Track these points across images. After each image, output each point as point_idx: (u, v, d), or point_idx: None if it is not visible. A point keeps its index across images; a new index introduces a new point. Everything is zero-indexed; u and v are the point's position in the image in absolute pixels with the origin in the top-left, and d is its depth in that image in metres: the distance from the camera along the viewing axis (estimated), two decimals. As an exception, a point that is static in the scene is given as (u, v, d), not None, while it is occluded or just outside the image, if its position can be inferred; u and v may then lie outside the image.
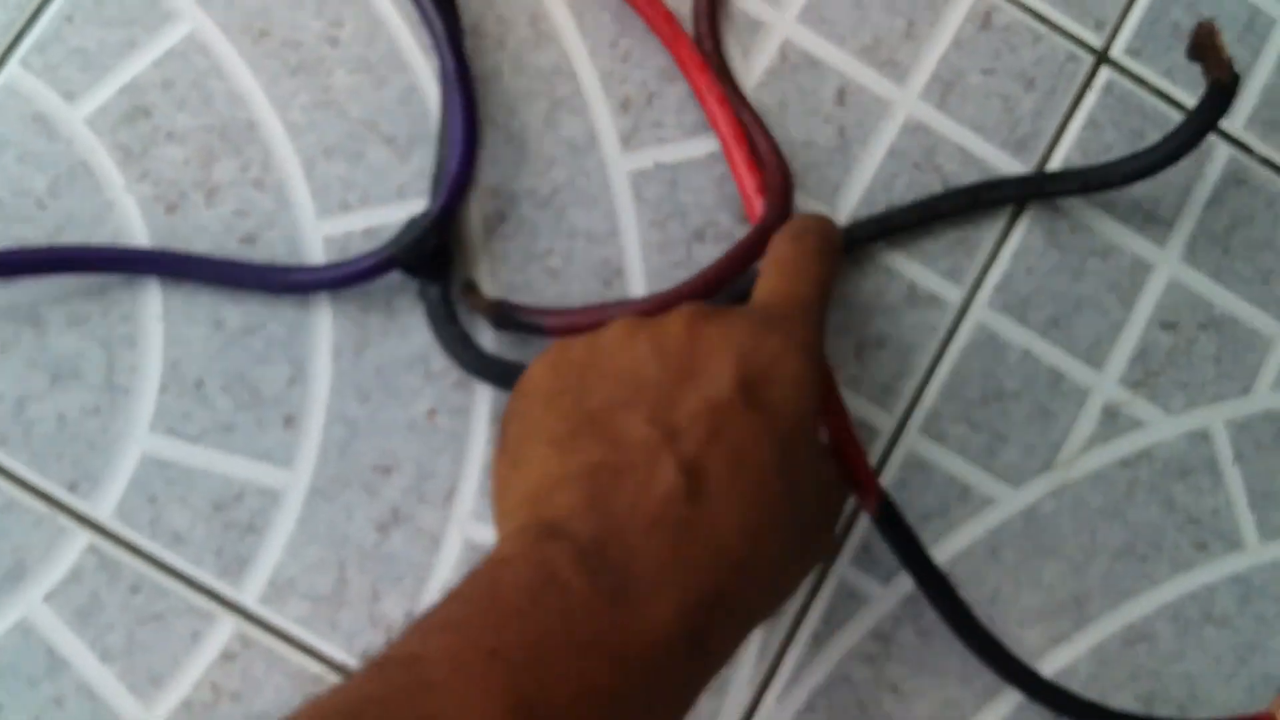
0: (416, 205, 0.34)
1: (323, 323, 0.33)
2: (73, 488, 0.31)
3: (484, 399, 0.33)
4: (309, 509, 0.32)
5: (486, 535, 0.32)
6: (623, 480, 0.21)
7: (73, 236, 0.32)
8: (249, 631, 0.31)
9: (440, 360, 0.33)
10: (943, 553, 0.34)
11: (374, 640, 0.31)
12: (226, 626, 0.31)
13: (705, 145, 0.35)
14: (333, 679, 0.31)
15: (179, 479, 0.32)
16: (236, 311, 0.33)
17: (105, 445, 0.32)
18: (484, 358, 0.31)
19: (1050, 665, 0.34)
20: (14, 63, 0.33)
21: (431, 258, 0.31)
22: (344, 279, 0.31)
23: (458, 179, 0.32)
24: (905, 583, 0.34)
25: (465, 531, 0.32)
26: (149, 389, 0.32)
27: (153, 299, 0.32)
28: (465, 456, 0.33)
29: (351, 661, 0.31)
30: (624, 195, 0.34)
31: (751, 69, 0.35)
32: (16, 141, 0.33)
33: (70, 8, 0.34)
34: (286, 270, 0.32)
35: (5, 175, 0.33)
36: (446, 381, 0.33)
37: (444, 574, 0.32)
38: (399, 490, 0.32)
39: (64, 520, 0.31)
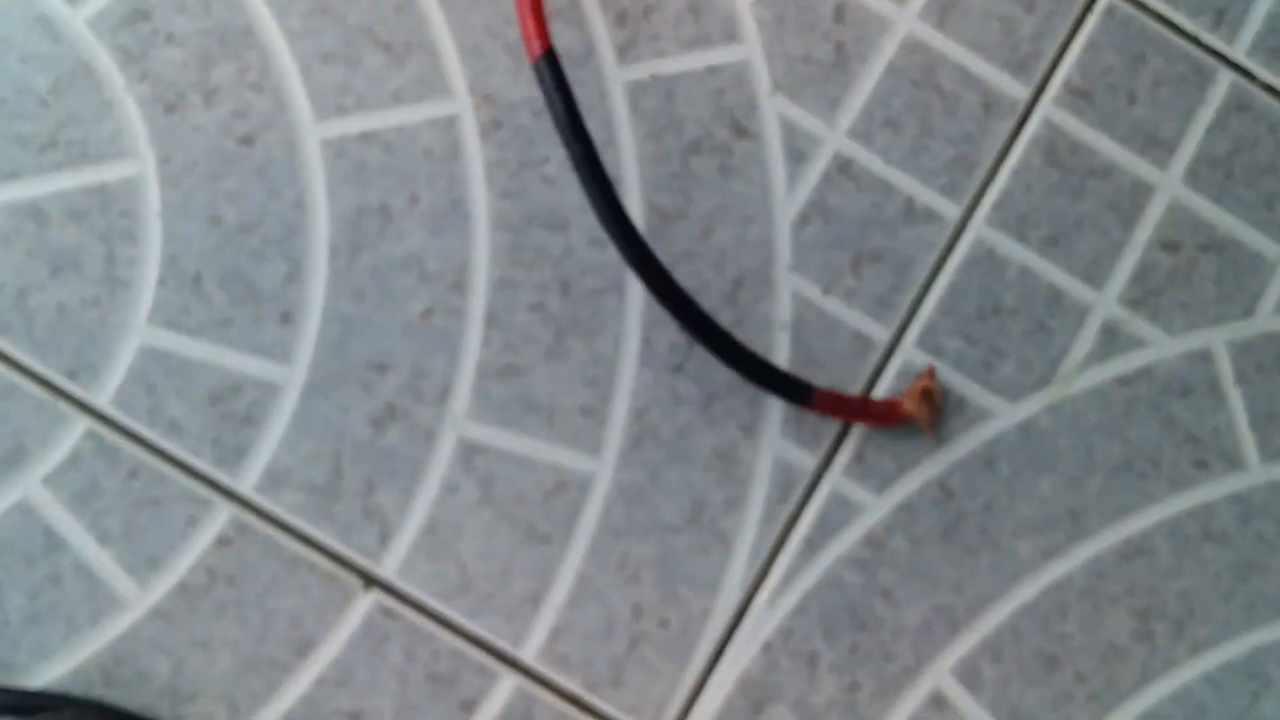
0: (411, 111, 0.46)
1: (319, 222, 0.45)
2: (72, 375, 0.43)
3: (479, 299, 0.45)
4: (305, 403, 0.44)
5: (481, 434, 0.45)
6: None
7: (73, 134, 0.45)
8: (245, 518, 0.43)
9: (435, 261, 0.45)
10: (937, 464, 0.46)
11: (369, 532, 0.43)
12: (223, 513, 0.43)
13: (702, 59, 0.48)
14: (325, 566, 0.43)
15: (177, 370, 0.44)
16: (234, 209, 0.45)
17: (104, 335, 0.44)
18: None
19: (1045, 577, 0.46)
20: (15, -36, 0.46)
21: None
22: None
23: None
24: (898, 492, 0.46)
25: (459, 430, 0.45)
26: (148, 282, 0.44)
27: (151, 195, 0.45)
28: (459, 356, 0.45)
29: (347, 551, 0.43)
30: (620, 106, 0.47)
31: (750, -16, 0.48)
32: (20, 43, 0.46)
33: (70, -88, 0.47)
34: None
35: (8, 75, 0.45)
36: (442, 283, 0.45)
37: (439, 471, 0.44)
38: (394, 387, 0.44)
39: (64, 406, 0.43)
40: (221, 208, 0.45)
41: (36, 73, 0.46)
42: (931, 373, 0.47)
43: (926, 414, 0.46)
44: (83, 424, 0.44)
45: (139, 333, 0.44)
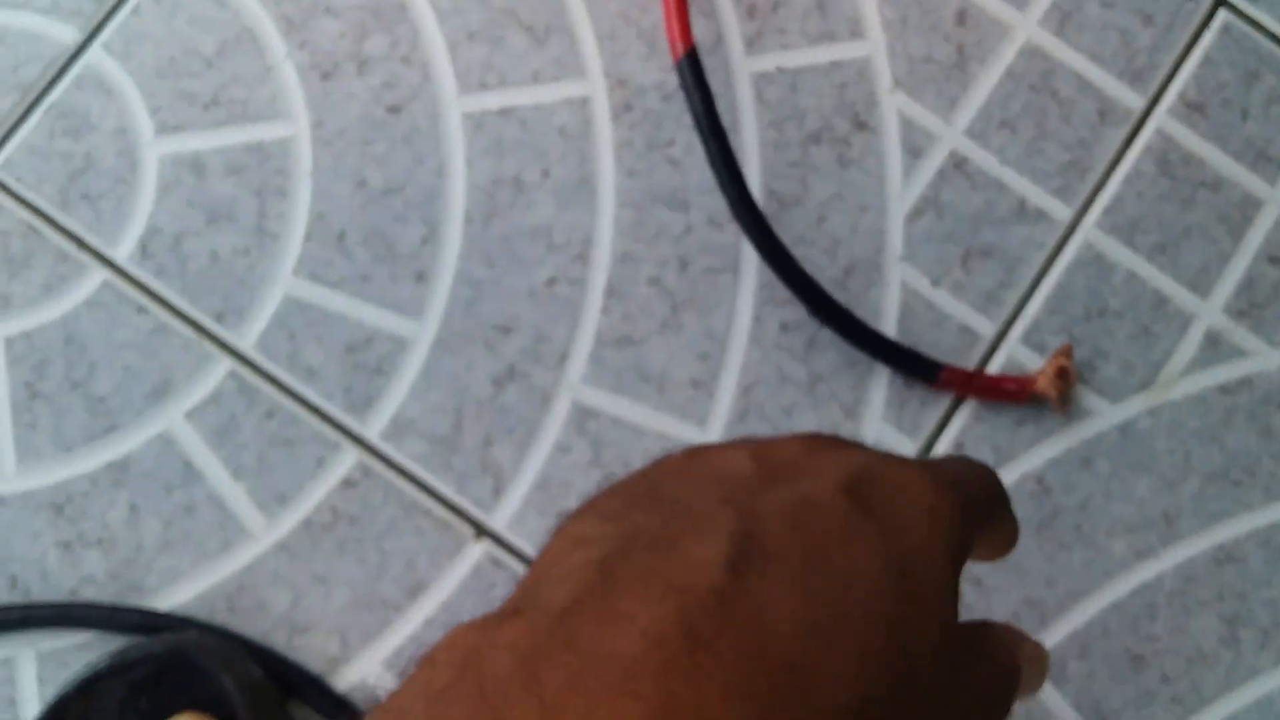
0: (549, 90, 0.48)
1: (457, 189, 0.47)
2: (220, 318, 0.45)
3: (601, 271, 0.46)
4: (433, 358, 0.46)
5: (594, 398, 0.46)
6: (656, 547, 0.20)
7: (235, 94, 0.47)
8: (370, 463, 0.45)
9: (562, 233, 0.47)
10: (1036, 458, 0.46)
11: (484, 485, 0.45)
12: (350, 456, 0.45)
13: (827, 53, 0.48)
14: (441, 514, 0.44)
15: (317, 320, 0.46)
16: (379, 173, 0.47)
17: (252, 283, 0.46)
18: None
19: (1136, 577, 0.46)
20: (190, -63, 0.49)
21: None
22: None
23: None
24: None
25: (575, 394, 0.46)
26: (295, 236, 0.46)
27: (304, 155, 0.47)
28: (579, 324, 0.46)
29: (462, 501, 0.44)
30: (746, 95, 0.48)
31: (877, -14, 0.49)
32: (190, 6, 0.48)
33: (243, -109, 0.49)
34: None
35: (178, 36, 0.48)
36: (567, 254, 0.47)
37: (553, 431, 0.45)
38: (516, 350, 0.46)
39: (209, 347, 0.45)
40: (368, 171, 0.47)
41: (204, 35, 0.48)
42: (1068, 351, 0.46)
43: (1061, 392, 0.46)
44: (226, 364, 0.46)
45: (284, 283, 0.46)
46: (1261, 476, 0.47)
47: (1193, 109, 0.49)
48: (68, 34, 0.47)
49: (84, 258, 0.46)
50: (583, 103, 0.48)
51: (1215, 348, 0.48)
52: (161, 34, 0.48)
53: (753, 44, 0.49)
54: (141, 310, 0.46)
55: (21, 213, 0.46)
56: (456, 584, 0.45)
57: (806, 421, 0.46)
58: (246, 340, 0.46)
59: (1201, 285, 0.48)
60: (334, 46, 0.48)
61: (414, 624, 0.45)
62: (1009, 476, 0.47)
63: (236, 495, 0.45)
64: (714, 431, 0.46)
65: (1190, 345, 0.48)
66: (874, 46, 0.49)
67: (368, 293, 0.46)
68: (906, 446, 0.47)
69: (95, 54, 0.47)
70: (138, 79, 0.47)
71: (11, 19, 0.48)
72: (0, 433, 0.45)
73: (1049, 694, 0.45)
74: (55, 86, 0.47)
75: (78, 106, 0.47)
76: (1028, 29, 0.50)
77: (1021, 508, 0.46)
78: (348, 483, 0.45)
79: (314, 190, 0.47)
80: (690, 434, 0.46)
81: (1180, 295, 0.48)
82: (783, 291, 0.47)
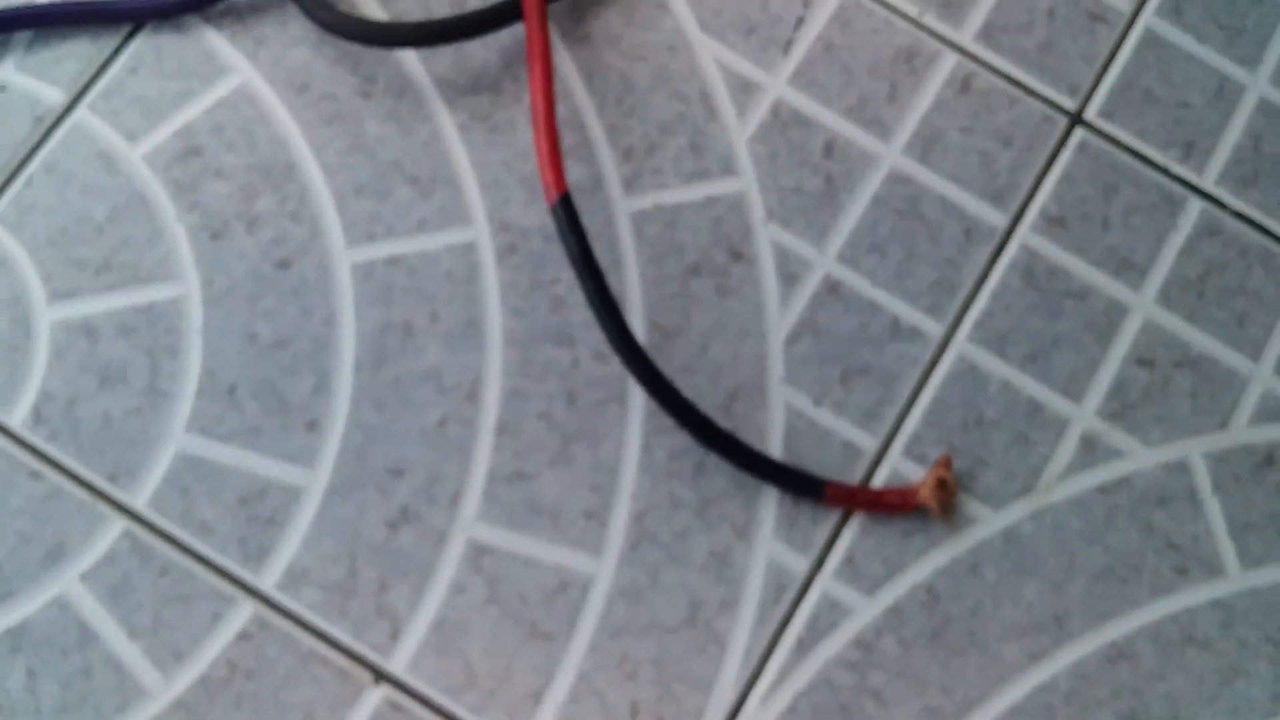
0: (435, 238, 0.48)
1: (346, 338, 0.47)
2: (113, 479, 0.45)
3: (490, 409, 0.46)
4: (326, 505, 0.45)
5: (489, 535, 0.45)
6: None
7: (126, 258, 0.47)
8: (266, 614, 0.44)
9: (451, 375, 0.46)
10: (924, 568, 0.46)
11: (381, 629, 0.44)
12: (245, 609, 0.44)
13: (702, 190, 0.49)
14: (339, 661, 0.43)
15: (209, 475, 0.45)
16: (269, 327, 0.47)
17: (145, 442, 0.45)
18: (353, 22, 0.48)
19: (1032, 679, 0.45)
20: (83, 107, 0.49)
21: None
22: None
23: None
24: (888, 595, 0.46)
25: (469, 532, 0.45)
26: (187, 393, 0.46)
27: (195, 314, 0.47)
28: (471, 462, 0.46)
29: (359, 647, 0.44)
30: (626, 233, 0.49)
31: (746, 125, 0.50)
32: (81, 175, 0.48)
33: (134, 61, 0.50)
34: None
35: (70, 205, 0.48)
36: (457, 394, 0.46)
37: (448, 571, 0.45)
38: (409, 491, 0.45)
39: (103, 508, 0.45)
40: (258, 325, 0.47)
41: (96, 202, 0.48)
42: (947, 461, 0.47)
43: (942, 502, 0.46)
44: (120, 524, 0.45)
45: (176, 440, 0.46)
46: (1146, 573, 0.47)
47: (1054, 223, 0.50)
48: (-37, 208, 0.47)
49: (-22, 425, 0.45)
50: (468, 248, 0.48)
51: (1092, 450, 0.48)
52: (53, 203, 0.48)
53: (630, 185, 0.50)
54: (35, 475, 0.45)
55: (-84, 384, 0.46)
56: (357, 732, 0.44)
57: (700, 545, 0.46)
58: (140, 499, 0.45)
59: (1074, 391, 0.49)
60: (223, 207, 0.48)
61: (315, 775, 0.43)
62: (900, 587, 0.46)
63: (133, 655, 0.44)
64: (609, 561, 0.46)
65: (1067, 449, 0.48)
66: (746, 182, 0.50)
67: (260, 444, 0.46)
68: (799, 563, 0.46)
69: (-10, 226, 0.47)
70: (30, 248, 0.47)
71: (-93, 196, 0.48)
72: (-106, 605, 0.44)
73: (955, 806, 0.44)
74: (-50, 259, 0.47)
75: (-27, 277, 0.47)
76: (892, 157, 0.51)
77: (914, 618, 0.46)
78: (244, 635, 0.44)
79: (204, 347, 0.47)
80: (586, 564, 0.45)
81: (1054, 401, 0.48)
82: (669, 420, 0.47)
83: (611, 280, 0.48)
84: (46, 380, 0.46)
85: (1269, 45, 0.53)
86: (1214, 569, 0.47)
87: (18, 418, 0.45)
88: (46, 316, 0.47)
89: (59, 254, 0.47)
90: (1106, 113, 0.52)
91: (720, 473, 0.47)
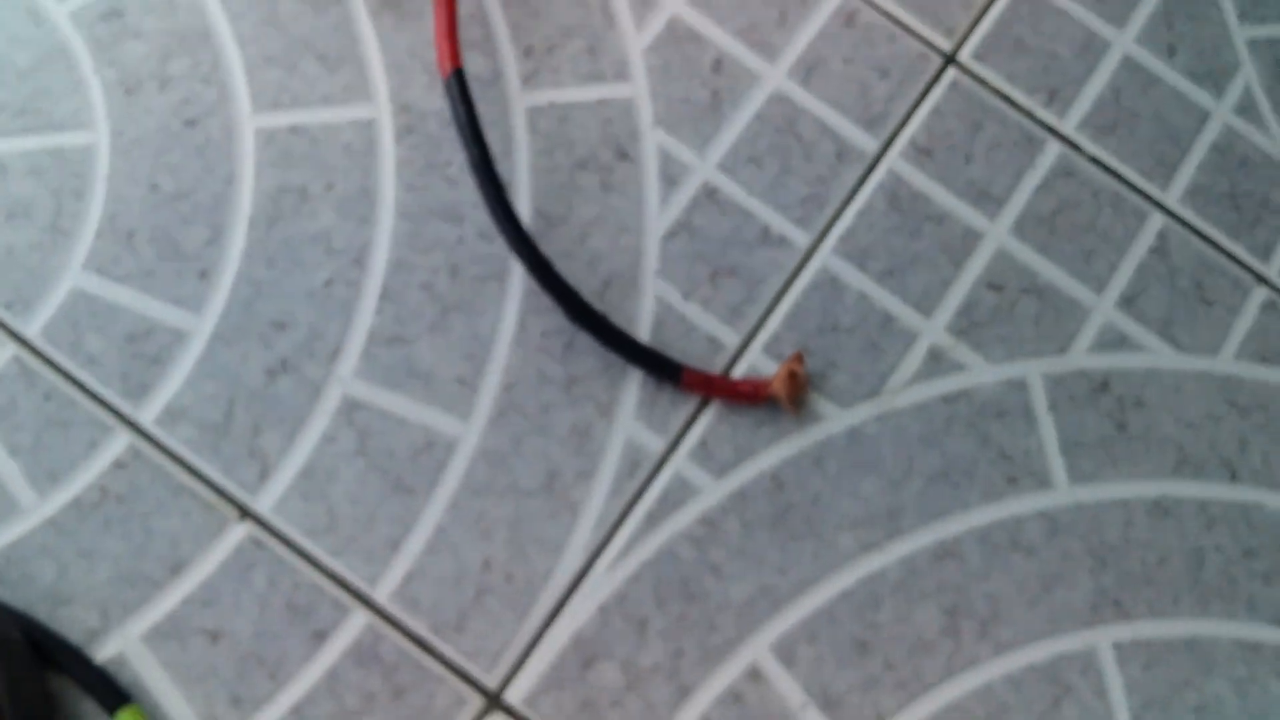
0: (337, 112, 0.49)
1: (243, 196, 0.48)
2: (8, 306, 0.46)
3: (376, 276, 0.48)
4: (209, 351, 0.46)
5: (363, 392, 0.47)
6: None
7: (42, 104, 0.48)
8: (141, 446, 0.45)
9: (341, 239, 0.48)
10: (772, 457, 0.48)
11: (251, 470, 0.45)
12: (122, 440, 0.45)
13: (595, 92, 0.51)
14: (207, 496, 0.45)
15: (101, 311, 0.46)
16: (171, 180, 0.48)
17: (42, 275, 0.46)
18: None
19: (863, 568, 0.47)
20: (13, -34, 0.50)
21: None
22: None
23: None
24: (735, 480, 0.48)
25: (344, 387, 0.47)
26: (87, 234, 0.47)
27: (102, 161, 0.48)
28: (352, 323, 0.47)
29: (228, 484, 0.45)
30: (520, 125, 0.50)
31: (643, 36, 0.52)
32: (8, 24, 0.49)
33: (67, -72, 0.51)
34: None
35: (-9, 52, 0.49)
36: (345, 258, 0.48)
37: (321, 421, 0.46)
38: (290, 345, 0.47)
39: (-5, 334, 0.46)
40: (160, 177, 0.48)
41: (19, 50, 0.49)
42: (799, 358, 0.48)
43: (792, 395, 0.48)
44: (10, 349, 0.46)
45: (73, 276, 0.47)
46: (979, 479, 0.49)
47: (922, 153, 0.53)
48: (-115, 45, 0.48)
49: (-119, 248, 0.46)
50: (369, 124, 0.50)
51: (937, 362, 0.50)
52: (-27, 47, 0.49)
53: (528, 80, 0.51)
54: (-69, 297, 0.46)
55: None
56: (217, 564, 0.45)
57: (563, 419, 0.48)
58: (31, 328, 0.46)
59: (925, 307, 0.51)
60: (139, 66, 0.50)
61: (174, 600, 0.45)
62: (747, 474, 0.48)
63: (11, 471, 0.45)
64: (476, 425, 0.47)
65: (914, 359, 0.50)
66: (638, 88, 0.52)
67: (151, 288, 0.47)
68: (656, 443, 0.48)
69: (-90, 64, 0.48)
70: (-54, 86, 0.48)
71: None
72: None
73: (780, 677, 0.46)
74: None
75: (-111, 111, 0.48)
76: (776, 79, 0.53)
77: (758, 503, 0.48)
78: (119, 464, 0.45)
79: (108, 193, 0.48)
80: (453, 427, 0.47)
81: (906, 315, 0.51)
82: (545, 300, 0.49)
83: (502, 168, 0.50)
84: (-50, 210, 0.47)
85: (1137, 6, 0.56)
86: (1043, 481, 0.50)
87: (-81, 243, 0.47)
88: (-44, 150, 0.48)
89: (-26, 94, 0.48)
90: (979, 55, 0.54)
91: (589, 354, 0.49)
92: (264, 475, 0.46)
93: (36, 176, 0.48)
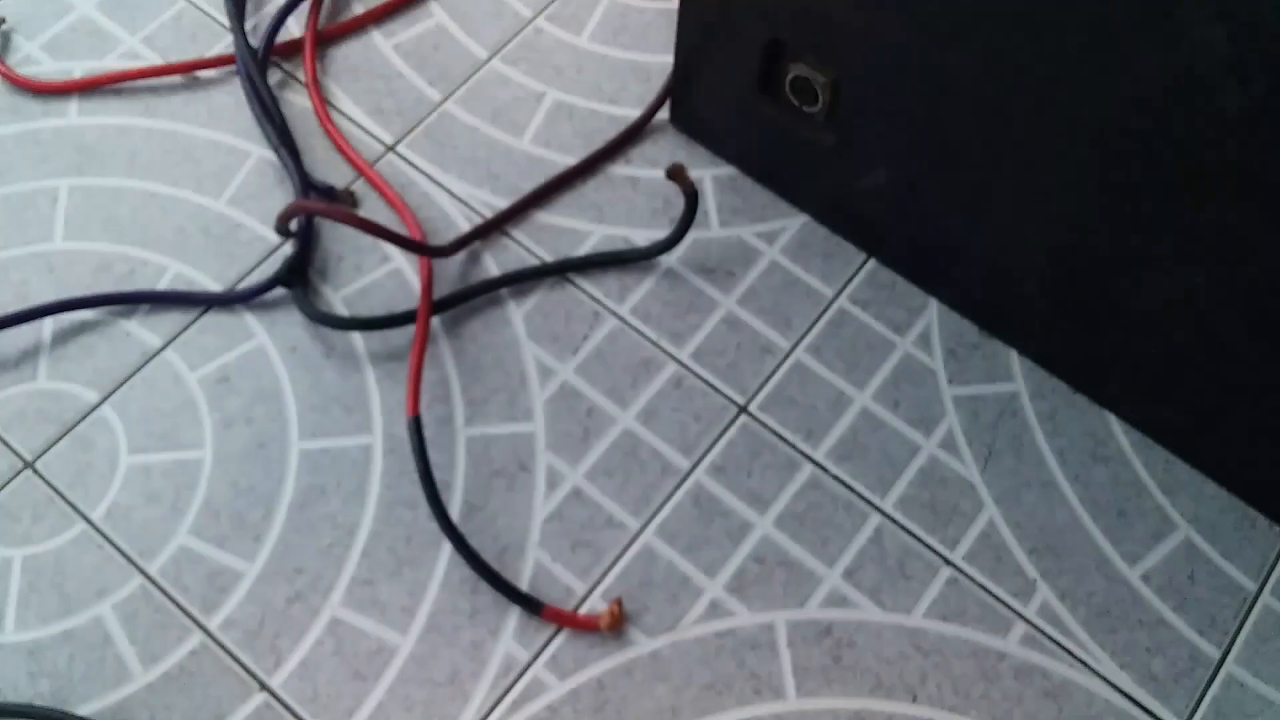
0: (353, 439, 0.79)
1: (288, 490, 0.77)
2: (141, 555, 0.75)
3: (360, 541, 0.75)
4: (255, 585, 0.74)
5: (343, 613, 0.73)
6: None
7: (174, 433, 0.79)
8: (208, 642, 0.72)
9: (342, 518, 0.76)
10: (598, 668, 0.73)
11: (269, 659, 0.72)
12: (196, 636, 0.72)
13: (510, 428, 0.79)
14: (240, 673, 0.72)
15: (195, 559, 0.75)
16: (245, 478, 0.77)
17: (162, 535, 0.75)
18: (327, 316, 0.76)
19: (647, 741, 0.71)
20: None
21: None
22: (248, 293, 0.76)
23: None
24: (574, 681, 0.72)
25: (334, 611, 0.74)
26: (192, 511, 0.76)
27: (206, 467, 0.78)
28: (342, 570, 0.75)
29: (257, 669, 0.72)
30: (461, 447, 0.79)
31: (543, 393, 0.81)
32: (157, 384, 0.81)
33: (205, 324, 0.83)
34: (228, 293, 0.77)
35: (152, 400, 0.80)
36: (343, 530, 0.76)
37: (316, 632, 0.73)
38: (304, 583, 0.74)
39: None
40: (238, 477, 0.77)
41: (162, 399, 0.80)
42: (619, 602, 0.72)
43: (613, 626, 0.73)
44: (137, 580, 0.74)
45: (181, 537, 0.76)
46: (735, 690, 0.72)
47: (718, 470, 0.79)
48: None
49: None
50: (368, 447, 0.79)
51: (715, 609, 0.74)
52: (142, 398, 0.80)
53: (469, 419, 0.80)
54: None
55: None
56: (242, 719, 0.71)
57: (466, 635, 0.73)
58: (153, 567, 0.75)
59: (711, 571, 0.76)
60: (234, 413, 0.80)
61: (217, 740, 0.70)
62: (581, 678, 0.72)
63: (124, 647, 0.72)
64: (411, 636, 0.73)
65: (700, 607, 0.75)
66: (538, 426, 0.80)
67: (225, 545, 0.75)
68: (523, 654, 0.73)
69: None
70: None
71: None
72: None
73: (593, 815, 0.69)
74: None
75: None
76: (626, 420, 0.80)
77: (585, 698, 0.72)
78: (193, 652, 0.72)
79: (208, 486, 0.77)
80: (396, 639, 0.73)
81: (698, 577, 0.75)
82: (461, 561, 0.75)
83: (445, 475, 0.78)
84: None
85: (875, 372, 0.82)
86: (779, 694, 0.72)
87: None
88: None
89: (139, 426, 0.79)
90: (763, 406, 0.81)
91: (487, 594, 0.75)
92: (278, 663, 0.72)
93: (166, 477, 0.78)
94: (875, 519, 0.78)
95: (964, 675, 0.73)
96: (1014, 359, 0.84)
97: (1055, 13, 0.63)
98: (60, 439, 0.79)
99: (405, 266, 0.86)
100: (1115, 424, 0.82)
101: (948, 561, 0.77)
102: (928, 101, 0.74)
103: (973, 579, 0.76)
